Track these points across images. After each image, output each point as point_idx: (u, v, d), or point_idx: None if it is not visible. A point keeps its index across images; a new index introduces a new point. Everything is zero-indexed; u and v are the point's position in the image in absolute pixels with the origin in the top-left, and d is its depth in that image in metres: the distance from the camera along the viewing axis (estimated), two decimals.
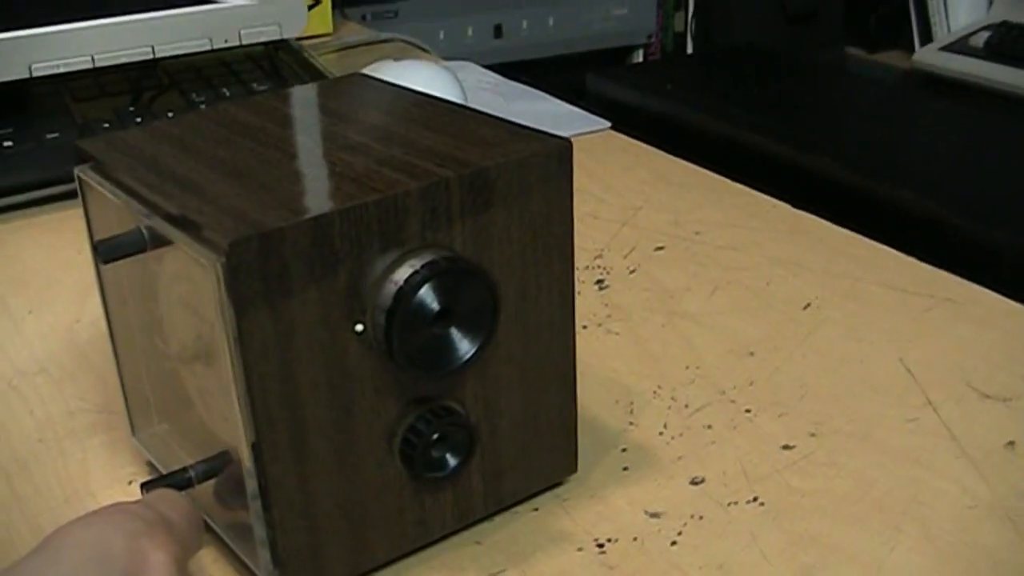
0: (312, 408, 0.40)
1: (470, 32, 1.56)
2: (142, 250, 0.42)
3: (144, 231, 0.42)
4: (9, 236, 0.76)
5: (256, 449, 0.39)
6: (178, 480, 0.44)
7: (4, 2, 0.80)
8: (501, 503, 0.47)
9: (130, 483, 0.51)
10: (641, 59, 1.71)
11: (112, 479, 0.52)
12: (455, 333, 0.41)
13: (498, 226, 0.42)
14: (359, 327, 0.40)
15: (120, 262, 0.43)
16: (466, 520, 0.46)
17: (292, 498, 0.41)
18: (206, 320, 0.40)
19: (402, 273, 0.39)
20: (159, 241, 0.41)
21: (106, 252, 0.42)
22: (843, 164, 0.91)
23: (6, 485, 0.51)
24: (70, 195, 0.48)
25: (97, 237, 0.45)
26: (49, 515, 0.49)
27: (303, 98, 0.54)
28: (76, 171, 0.46)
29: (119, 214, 0.44)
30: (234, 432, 0.40)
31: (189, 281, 0.41)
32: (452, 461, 0.44)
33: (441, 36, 1.52)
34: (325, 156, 0.45)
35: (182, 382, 0.46)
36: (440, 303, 0.40)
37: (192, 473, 0.44)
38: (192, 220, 0.39)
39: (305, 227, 0.38)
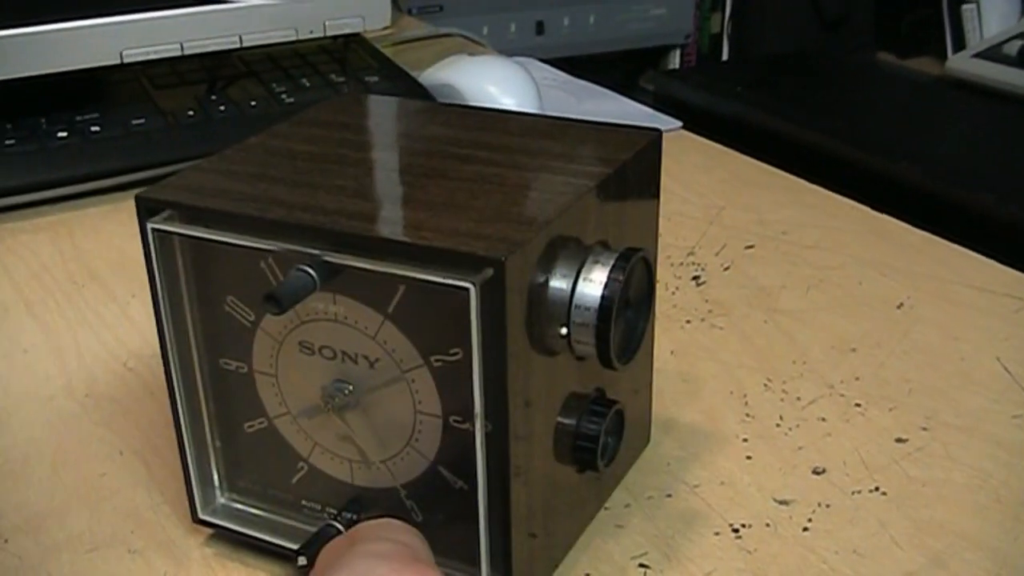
0: (537, 423, 0.40)
1: (513, 28, 1.58)
2: (312, 291, 0.38)
3: (309, 270, 0.38)
4: (101, 221, 0.78)
5: (497, 472, 0.39)
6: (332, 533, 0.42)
7: None
8: (617, 480, 0.50)
9: None
10: (678, 59, 1.74)
11: None
12: (632, 318, 0.43)
13: (625, 212, 0.45)
14: (563, 330, 0.40)
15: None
16: (603, 501, 0.48)
17: (520, 513, 0.40)
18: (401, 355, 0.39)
19: (599, 271, 0.40)
20: (331, 275, 0.38)
21: (286, 299, 0.37)
22: (921, 169, 0.93)
23: (144, 468, 0.53)
24: (156, 180, 0.45)
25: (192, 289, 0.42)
26: None
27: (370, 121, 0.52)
28: (151, 224, 0.41)
29: (231, 262, 0.41)
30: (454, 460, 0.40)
31: (363, 318, 0.39)
32: (612, 445, 0.45)
33: (485, 31, 1.54)
34: (465, 175, 0.43)
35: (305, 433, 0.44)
36: (631, 292, 0.42)
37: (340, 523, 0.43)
38: (413, 243, 0.37)
39: (542, 239, 0.38)
